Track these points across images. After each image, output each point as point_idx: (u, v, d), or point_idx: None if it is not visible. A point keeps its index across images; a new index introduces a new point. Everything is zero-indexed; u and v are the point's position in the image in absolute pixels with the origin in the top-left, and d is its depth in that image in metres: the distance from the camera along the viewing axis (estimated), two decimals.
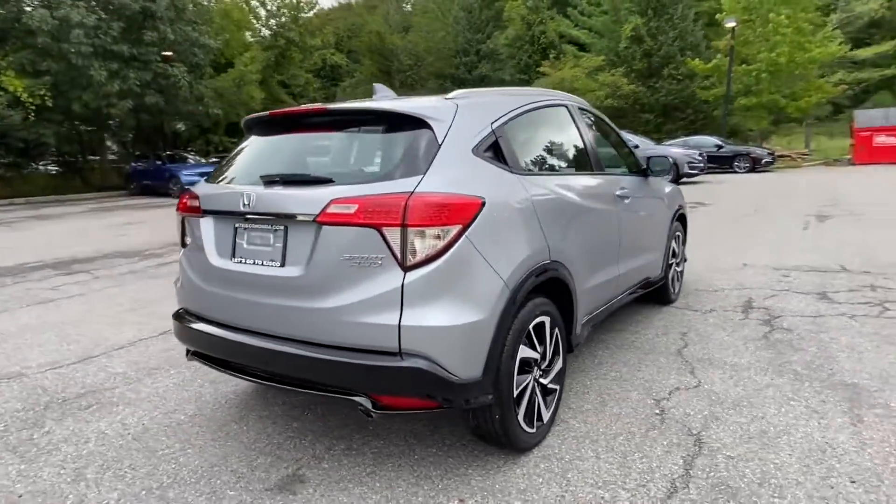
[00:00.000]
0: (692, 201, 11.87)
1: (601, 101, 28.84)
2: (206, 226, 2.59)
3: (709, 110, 30.73)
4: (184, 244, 2.79)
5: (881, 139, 21.97)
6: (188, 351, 2.75)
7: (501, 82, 37.97)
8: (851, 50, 28.23)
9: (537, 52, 37.33)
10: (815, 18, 25.76)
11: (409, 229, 2.05)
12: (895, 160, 21.39)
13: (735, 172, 21.33)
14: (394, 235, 2.07)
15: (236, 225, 2.49)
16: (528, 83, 35.68)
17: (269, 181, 2.41)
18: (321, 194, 2.21)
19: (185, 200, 2.72)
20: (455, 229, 2.10)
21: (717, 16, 26.07)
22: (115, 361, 3.90)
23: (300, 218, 2.25)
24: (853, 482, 2.26)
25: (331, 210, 2.15)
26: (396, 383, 2.10)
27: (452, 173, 2.22)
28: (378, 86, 3.01)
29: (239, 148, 2.86)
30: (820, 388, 3.10)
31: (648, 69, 32.44)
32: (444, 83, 39.56)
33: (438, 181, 2.16)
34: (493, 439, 2.46)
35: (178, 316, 2.77)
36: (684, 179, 17.25)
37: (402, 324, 2.06)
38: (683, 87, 30.70)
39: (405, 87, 40.69)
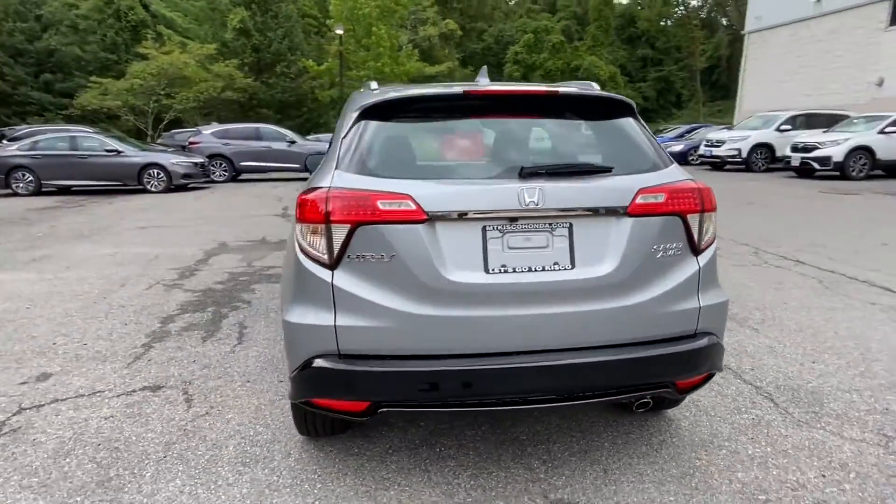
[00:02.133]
0: None
1: (219, 92, 27.43)
2: (433, 234, 1.94)
3: (325, 110, 32.90)
4: (336, 265, 1.97)
5: None
6: (369, 408, 1.99)
7: (78, 60, 31.70)
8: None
9: (126, 29, 32.57)
10: (395, 35, 30.61)
11: (705, 214, 2.16)
12: None
13: None
14: (694, 222, 2.13)
15: (487, 227, 1.98)
16: (118, 64, 30.92)
17: (532, 173, 2.02)
18: (626, 184, 2.04)
19: (371, 203, 1.94)
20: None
21: (328, 21, 28.13)
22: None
23: (606, 211, 2.02)
24: (840, 358, 3.47)
25: (640, 200, 2.04)
26: (695, 364, 2.17)
27: None
28: (484, 69, 2.65)
29: (390, 132, 2.19)
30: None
31: (258, 64, 32.46)
32: None
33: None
34: (672, 404, 2.71)
35: (334, 363, 1.96)
36: None
37: (700, 306, 2.16)
38: (297, 85, 31.97)
39: None
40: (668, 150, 19.57)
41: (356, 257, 1.97)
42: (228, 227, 8.77)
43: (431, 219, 1.94)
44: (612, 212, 2.04)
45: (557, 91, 2.21)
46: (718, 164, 18.20)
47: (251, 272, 5.91)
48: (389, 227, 1.94)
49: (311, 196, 2.03)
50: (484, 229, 1.99)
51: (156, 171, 14.21)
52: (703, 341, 2.17)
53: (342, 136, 2.21)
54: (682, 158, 20.82)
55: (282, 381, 3.27)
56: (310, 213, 2.00)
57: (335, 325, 1.98)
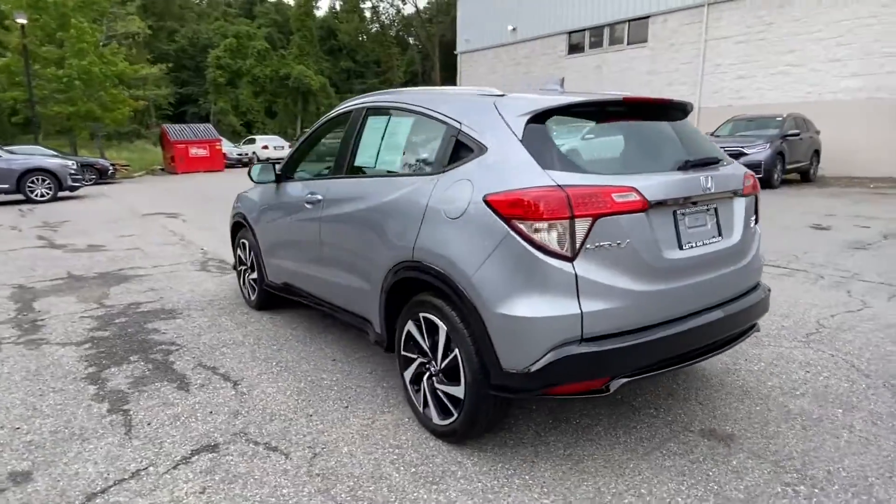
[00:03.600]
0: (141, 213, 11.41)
1: None
2: (649, 220, 2.26)
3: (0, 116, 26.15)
4: (576, 255, 2.12)
5: (195, 151, 25.42)
6: (606, 384, 2.20)
7: None
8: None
9: None
10: (97, 30, 26.14)
11: (759, 195, 2.91)
12: (207, 168, 25.25)
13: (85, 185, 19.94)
14: (759, 199, 2.86)
15: (676, 211, 2.36)
16: None
17: (692, 165, 2.48)
18: (736, 171, 2.66)
19: (607, 197, 2.14)
20: None
21: (2, 8, 22.51)
22: None
23: (734, 193, 2.58)
24: None
25: (746, 184, 2.68)
26: (768, 304, 2.91)
27: None
28: (560, 79, 2.86)
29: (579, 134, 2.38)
30: None
31: None
32: None
33: None
34: None
35: (586, 346, 2.14)
36: (67, 193, 15.35)
37: (762, 262, 2.92)
38: None
39: None
40: None
41: (594, 247, 2.16)
42: None
43: (651, 207, 2.26)
44: (736, 193, 2.66)
45: (672, 99, 2.73)
46: None
47: (118, 312, 4.84)
48: (623, 217, 2.20)
49: (540, 195, 2.14)
50: (674, 213, 2.39)
51: None
52: (768, 287, 2.94)
53: (518, 137, 2.32)
54: None
55: (347, 407, 3.03)
56: (539, 211, 2.13)
57: (581, 312, 2.14)
